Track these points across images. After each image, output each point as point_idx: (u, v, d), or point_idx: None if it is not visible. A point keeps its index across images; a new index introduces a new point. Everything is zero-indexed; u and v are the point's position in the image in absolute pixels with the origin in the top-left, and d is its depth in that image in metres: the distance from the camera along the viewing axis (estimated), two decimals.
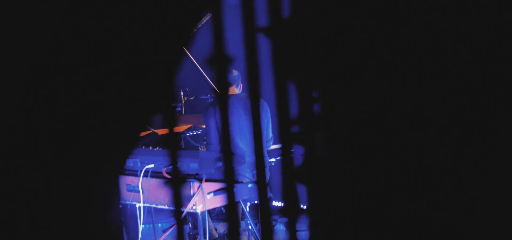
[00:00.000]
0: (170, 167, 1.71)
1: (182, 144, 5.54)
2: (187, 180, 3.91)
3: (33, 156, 1.70)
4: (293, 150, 1.82)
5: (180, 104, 6.27)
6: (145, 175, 4.08)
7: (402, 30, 1.73)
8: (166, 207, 4.10)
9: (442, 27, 1.70)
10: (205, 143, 5.16)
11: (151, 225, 5.23)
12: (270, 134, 5.03)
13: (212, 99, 6.07)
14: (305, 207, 1.84)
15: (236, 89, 4.98)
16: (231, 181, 1.74)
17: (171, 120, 1.66)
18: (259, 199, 1.84)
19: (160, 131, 5.11)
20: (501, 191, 1.70)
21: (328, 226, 1.85)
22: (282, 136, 1.81)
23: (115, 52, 1.74)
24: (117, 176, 1.98)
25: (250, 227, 4.89)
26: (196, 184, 3.90)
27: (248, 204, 5.02)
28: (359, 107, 1.79)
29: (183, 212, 4.01)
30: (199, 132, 5.61)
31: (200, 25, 4.15)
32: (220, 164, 3.99)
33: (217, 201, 4.09)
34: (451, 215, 1.72)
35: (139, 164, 4.20)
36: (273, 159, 5.27)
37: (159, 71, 1.77)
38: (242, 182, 4.47)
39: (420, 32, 1.71)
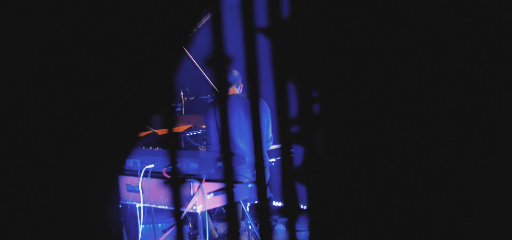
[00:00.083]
0: (170, 167, 1.71)
1: (182, 144, 5.54)
2: (187, 180, 3.91)
3: (33, 156, 1.70)
4: (293, 150, 1.82)
5: (180, 104, 6.27)
6: (145, 175, 4.08)
7: (402, 30, 1.73)
8: (166, 207, 4.10)
9: (442, 27, 1.70)
10: (205, 143, 5.16)
11: (151, 225, 5.23)
12: (270, 135, 5.03)
13: (212, 99, 6.07)
14: (304, 207, 1.84)
15: (236, 89, 4.98)
16: (230, 181, 1.74)
17: (170, 120, 1.66)
18: (259, 199, 1.84)
19: (160, 131, 5.11)
20: (501, 191, 1.70)
21: (328, 226, 1.85)
22: (282, 136, 1.81)
23: (115, 52, 1.74)
24: (117, 176, 1.98)
25: (250, 227, 4.89)
26: (196, 184, 3.90)
27: (248, 204, 5.02)
28: (359, 107, 1.79)
29: (183, 212, 4.01)
30: (199, 132, 5.61)
31: (200, 25, 4.15)
32: (220, 164, 3.99)
33: (217, 201, 4.09)
34: (451, 215, 1.72)
35: (139, 164, 4.20)
36: (273, 159, 5.27)
37: (159, 71, 1.77)
38: (242, 182, 4.47)
39: (420, 32, 1.71)
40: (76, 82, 1.72)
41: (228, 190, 1.75)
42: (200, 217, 4.13)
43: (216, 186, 4.01)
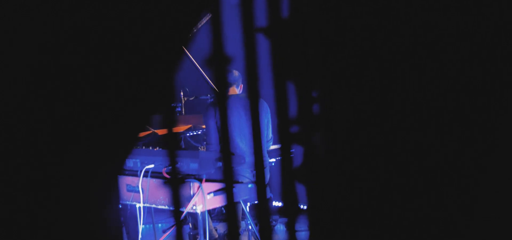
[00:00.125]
0: (170, 167, 1.71)
1: (182, 144, 5.53)
2: (187, 180, 3.91)
3: (33, 156, 1.70)
4: (293, 150, 1.82)
5: (180, 104, 6.27)
6: (145, 175, 4.08)
7: (402, 30, 1.73)
8: (166, 207, 4.10)
9: (442, 26, 1.70)
10: (205, 143, 5.16)
11: (151, 225, 5.23)
12: (270, 135, 5.03)
13: (212, 99, 6.07)
14: (304, 207, 1.84)
15: (236, 90, 4.98)
16: (230, 181, 1.74)
17: (170, 120, 1.66)
18: (258, 199, 1.84)
19: (160, 131, 5.11)
20: (501, 190, 1.70)
21: (328, 226, 1.85)
22: (282, 136, 1.81)
23: (115, 52, 1.74)
24: (117, 176, 1.98)
25: (250, 227, 4.89)
26: (196, 184, 3.90)
27: (248, 204, 5.01)
28: (359, 106, 1.79)
29: (182, 212, 4.01)
30: (199, 132, 5.61)
31: (200, 25, 4.15)
32: (220, 164, 3.99)
33: (217, 201, 4.09)
34: (451, 215, 1.72)
35: (139, 164, 4.20)
36: (273, 159, 5.27)
37: (159, 71, 1.77)
38: (242, 182, 4.47)
39: (420, 31, 1.71)
40: (76, 82, 1.72)
41: (227, 190, 1.75)
42: (200, 217, 4.13)
43: (216, 186, 4.01)
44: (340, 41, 1.79)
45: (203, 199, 3.91)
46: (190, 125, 5.63)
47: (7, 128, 1.68)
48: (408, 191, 1.75)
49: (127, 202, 4.30)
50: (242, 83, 5.04)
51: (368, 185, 1.78)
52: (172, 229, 4.56)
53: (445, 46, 1.70)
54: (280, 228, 5.96)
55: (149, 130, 5.10)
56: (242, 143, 4.77)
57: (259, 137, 1.77)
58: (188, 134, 5.54)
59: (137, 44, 1.75)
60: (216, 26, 1.67)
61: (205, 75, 5.41)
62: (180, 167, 3.98)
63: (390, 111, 1.76)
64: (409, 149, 1.74)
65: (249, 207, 5.03)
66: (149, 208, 4.39)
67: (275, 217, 5.97)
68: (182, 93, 6.27)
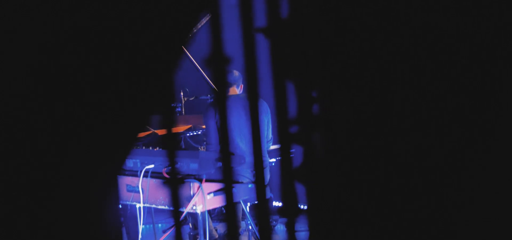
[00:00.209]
0: (169, 167, 1.71)
1: (182, 144, 5.53)
2: (187, 180, 3.91)
3: (33, 156, 1.70)
4: (293, 150, 1.82)
5: (180, 104, 6.27)
6: (145, 176, 4.08)
7: (402, 30, 1.73)
8: (166, 207, 4.10)
9: (442, 27, 1.70)
10: (205, 143, 5.16)
11: (151, 226, 5.23)
12: (270, 135, 5.03)
13: (212, 100, 6.07)
14: (304, 207, 1.84)
15: (237, 90, 4.98)
16: (229, 182, 1.74)
17: (169, 120, 1.66)
18: (258, 199, 1.84)
19: (160, 132, 5.11)
20: (501, 191, 1.70)
21: (328, 226, 1.85)
22: (281, 136, 1.81)
23: (115, 52, 1.74)
24: (116, 176, 1.98)
25: (250, 227, 4.89)
26: (196, 184, 3.90)
27: (249, 204, 5.02)
28: (359, 107, 1.79)
29: (181, 212, 4.01)
30: (199, 133, 5.61)
31: (200, 26, 4.15)
32: (220, 164, 3.99)
33: (217, 202, 4.09)
34: (451, 215, 1.72)
35: (139, 164, 4.20)
36: (273, 159, 5.27)
37: (159, 71, 1.77)
38: (242, 183, 4.47)
39: (420, 32, 1.71)
40: (76, 82, 1.72)
41: (227, 191, 1.75)
42: (200, 217, 4.13)
43: (216, 186, 4.01)
44: (339, 41, 1.79)
45: (203, 199, 3.91)
46: (190, 126, 5.64)
47: (7, 128, 1.68)
48: (408, 192, 1.75)
49: (127, 202, 4.30)
50: (242, 84, 5.04)
51: (368, 186, 1.78)
52: (172, 229, 4.56)
53: (445, 47, 1.70)
54: (280, 228, 5.96)
55: (149, 130, 5.10)
56: (242, 143, 4.77)
57: (258, 137, 1.77)
58: (188, 135, 5.54)
59: (137, 44, 1.75)
60: (215, 26, 1.67)
61: (205, 75, 5.41)
62: (180, 167, 3.98)
63: (389, 112, 1.76)
64: (408, 150, 1.74)
65: (249, 207, 5.03)
66: (149, 208, 4.39)
67: (275, 217, 5.97)
68: (182, 93, 6.27)
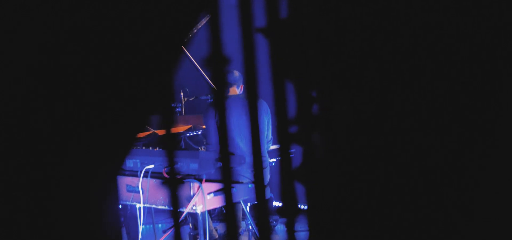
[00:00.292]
0: (169, 167, 1.71)
1: (182, 145, 5.53)
2: (187, 180, 3.91)
3: (33, 156, 1.70)
4: (293, 150, 1.82)
5: (180, 105, 6.26)
6: (145, 176, 4.08)
7: (402, 30, 1.73)
8: (166, 207, 4.10)
9: (442, 27, 1.70)
10: (205, 143, 5.16)
11: (151, 226, 5.23)
12: (270, 136, 5.03)
13: (212, 100, 6.07)
14: (304, 207, 1.84)
15: (237, 90, 4.98)
16: (229, 182, 1.74)
17: (169, 121, 1.66)
18: (258, 200, 1.84)
19: (160, 132, 5.11)
20: (501, 191, 1.70)
21: (328, 226, 1.85)
22: (281, 136, 1.81)
23: (114, 52, 1.74)
24: (116, 176, 1.98)
25: (250, 227, 4.89)
26: (196, 184, 3.90)
27: (249, 204, 5.01)
28: (359, 107, 1.79)
29: (181, 212, 4.01)
30: (199, 133, 5.60)
31: (200, 26, 4.15)
32: (220, 164, 3.99)
33: (217, 202, 4.09)
34: (451, 215, 1.72)
35: (139, 164, 4.20)
36: (273, 160, 5.27)
37: (159, 71, 1.77)
38: (242, 183, 4.47)
39: (420, 32, 1.71)
40: (76, 82, 1.73)
41: (226, 191, 1.75)
42: (200, 218, 4.13)
43: (216, 186, 4.01)
44: (339, 41, 1.79)
45: (203, 199, 3.91)
46: (190, 126, 5.63)
47: (7, 128, 1.68)
48: (407, 192, 1.75)
49: (127, 202, 4.30)
50: (242, 84, 5.04)
51: (368, 186, 1.78)
52: (172, 229, 4.56)
53: (445, 47, 1.70)
54: (280, 228, 5.96)
55: (149, 130, 5.10)
56: (242, 143, 4.77)
57: (257, 137, 1.77)
58: (188, 135, 5.53)
59: (136, 44, 1.75)
60: (215, 27, 1.67)
61: (205, 75, 5.41)
62: (180, 167, 3.98)
63: (389, 112, 1.76)
64: (408, 150, 1.74)
65: (249, 207, 5.03)
66: (149, 208, 4.39)
67: (275, 217, 5.97)
68: (182, 93, 6.27)
